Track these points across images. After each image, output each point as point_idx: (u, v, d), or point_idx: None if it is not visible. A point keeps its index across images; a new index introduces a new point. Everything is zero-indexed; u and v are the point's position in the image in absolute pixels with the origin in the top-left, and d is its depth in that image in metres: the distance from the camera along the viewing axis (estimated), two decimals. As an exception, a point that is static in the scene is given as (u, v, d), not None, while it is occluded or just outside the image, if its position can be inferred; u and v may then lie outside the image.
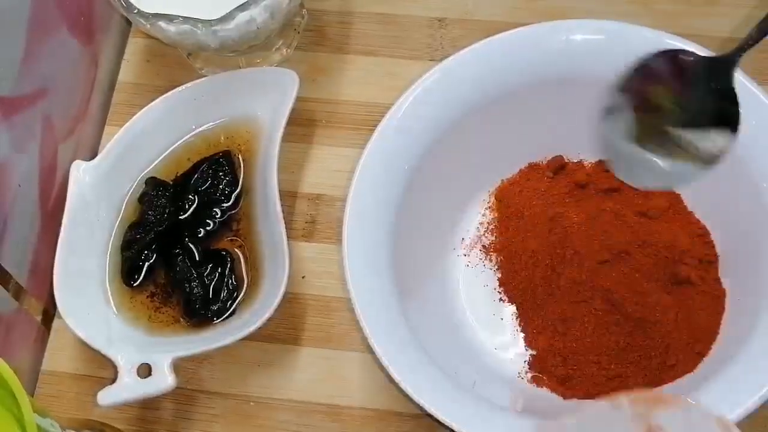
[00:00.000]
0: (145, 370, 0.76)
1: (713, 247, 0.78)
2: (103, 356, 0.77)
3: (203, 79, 0.88)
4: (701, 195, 0.79)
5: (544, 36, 0.80)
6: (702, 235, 0.79)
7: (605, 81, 0.78)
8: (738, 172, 0.75)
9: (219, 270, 0.82)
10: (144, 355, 0.77)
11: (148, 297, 0.82)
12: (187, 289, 0.81)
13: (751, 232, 0.75)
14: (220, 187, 0.85)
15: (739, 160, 0.75)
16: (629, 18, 0.80)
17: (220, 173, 0.85)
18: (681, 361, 0.74)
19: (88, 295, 0.81)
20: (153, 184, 0.85)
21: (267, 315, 0.76)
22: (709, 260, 0.77)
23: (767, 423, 0.75)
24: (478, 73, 0.79)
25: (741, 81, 0.76)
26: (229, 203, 0.85)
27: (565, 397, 0.75)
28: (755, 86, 0.76)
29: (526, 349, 0.77)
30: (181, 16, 0.79)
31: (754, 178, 0.74)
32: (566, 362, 0.75)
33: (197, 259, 0.82)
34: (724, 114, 0.67)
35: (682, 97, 0.68)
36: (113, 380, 0.76)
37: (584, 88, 0.79)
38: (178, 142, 0.87)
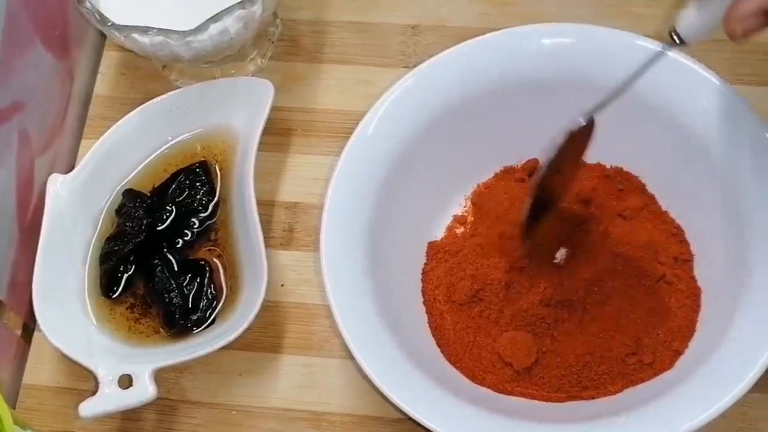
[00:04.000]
0: (125, 381, 0.76)
1: (688, 245, 0.79)
2: (84, 368, 0.77)
3: (178, 90, 0.88)
4: (675, 195, 0.80)
5: (517, 40, 0.80)
6: (677, 234, 0.79)
7: (577, 83, 0.79)
8: (711, 170, 0.76)
9: (198, 280, 0.82)
10: (124, 366, 0.77)
11: (127, 308, 0.83)
12: (167, 300, 0.81)
13: (726, 230, 0.75)
14: (198, 197, 0.85)
15: (711, 159, 0.76)
16: (602, 21, 0.80)
17: (197, 183, 0.85)
18: (658, 359, 0.74)
19: (67, 308, 0.81)
20: (130, 195, 0.85)
21: (246, 324, 0.77)
22: (684, 259, 0.78)
23: (744, 418, 0.76)
24: (451, 79, 0.80)
25: (711, 80, 0.77)
26: (207, 213, 0.85)
27: (542, 399, 0.75)
28: (726, 86, 0.76)
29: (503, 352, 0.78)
30: (155, 28, 0.79)
31: (728, 177, 0.75)
32: (542, 364, 0.76)
33: (176, 269, 0.82)
34: None
35: None
36: (94, 392, 0.76)
37: (557, 91, 0.80)
38: (155, 154, 0.87)
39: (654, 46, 0.77)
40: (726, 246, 0.75)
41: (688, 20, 0.67)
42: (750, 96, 0.76)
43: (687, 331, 0.75)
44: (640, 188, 0.81)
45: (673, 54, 0.77)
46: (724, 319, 0.71)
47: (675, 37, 0.67)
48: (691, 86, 0.77)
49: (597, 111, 0.69)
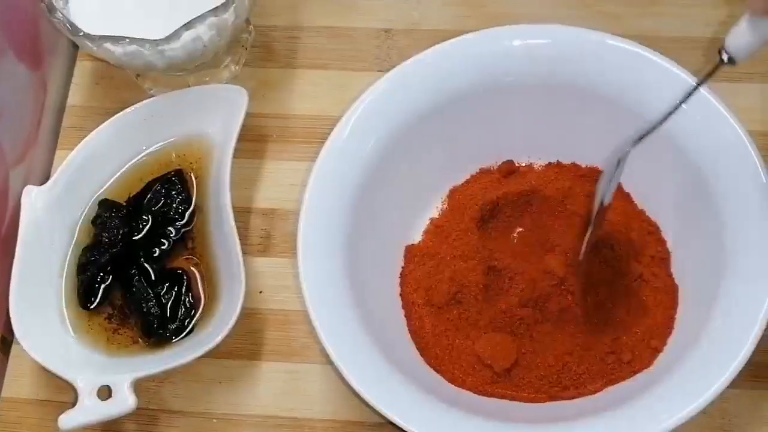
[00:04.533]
0: (105, 392, 0.76)
1: (665, 243, 0.79)
2: (63, 380, 0.77)
3: (152, 99, 0.88)
4: (651, 193, 0.80)
5: (490, 42, 0.80)
6: (653, 232, 0.79)
7: (552, 84, 0.79)
8: (683, 166, 0.76)
9: (175, 289, 0.82)
10: (104, 377, 0.76)
11: (105, 319, 0.82)
12: (145, 310, 0.81)
13: (701, 228, 0.75)
14: (174, 205, 0.85)
15: (687, 158, 0.76)
16: (575, 21, 0.80)
17: (173, 192, 0.85)
18: (637, 357, 0.74)
19: (45, 320, 0.81)
20: (106, 206, 0.85)
21: (225, 331, 0.76)
22: (661, 257, 0.78)
23: (724, 414, 0.76)
24: (426, 82, 0.80)
25: (682, 77, 0.77)
26: (183, 222, 0.85)
27: (523, 400, 0.75)
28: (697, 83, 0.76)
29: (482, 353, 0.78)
30: (128, 37, 0.79)
31: (700, 172, 0.75)
32: (522, 365, 0.76)
33: (153, 278, 0.82)
34: None
35: None
36: (74, 404, 0.76)
37: (532, 92, 0.80)
38: (130, 163, 0.87)
39: (627, 45, 0.77)
40: (702, 243, 0.75)
41: (739, 39, 0.64)
42: (721, 92, 0.76)
43: (665, 328, 0.75)
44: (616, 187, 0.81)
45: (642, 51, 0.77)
46: (702, 316, 0.71)
47: (724, 55, 0.64)
48: (663, 84, 0.77)
49: (639, 140, 0.69)
